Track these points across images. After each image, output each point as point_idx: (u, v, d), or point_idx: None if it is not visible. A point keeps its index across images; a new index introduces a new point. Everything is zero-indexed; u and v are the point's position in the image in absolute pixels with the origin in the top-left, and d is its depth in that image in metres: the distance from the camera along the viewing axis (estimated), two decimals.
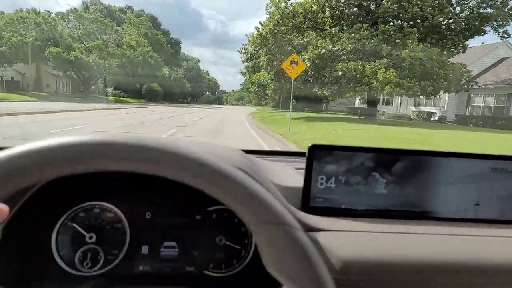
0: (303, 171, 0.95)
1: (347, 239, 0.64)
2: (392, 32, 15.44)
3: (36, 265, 0.67)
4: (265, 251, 0.33)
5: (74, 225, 0.70)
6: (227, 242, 0.74)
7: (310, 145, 0.75)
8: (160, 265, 0.71)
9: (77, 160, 0.34)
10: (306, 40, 16.45)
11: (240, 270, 0.73)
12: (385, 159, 0.75)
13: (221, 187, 0.34)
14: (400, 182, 0.76)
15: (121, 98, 35.97)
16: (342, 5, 17.48)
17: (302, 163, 1.08)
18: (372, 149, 0.75)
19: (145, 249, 0.72)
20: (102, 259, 0.70)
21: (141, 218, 0.73)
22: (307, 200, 0.73)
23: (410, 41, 14.84)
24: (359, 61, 15.09)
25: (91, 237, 0.70)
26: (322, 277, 0.33)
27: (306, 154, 0.74)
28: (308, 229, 0.65)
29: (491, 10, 16.40)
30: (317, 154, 0.74)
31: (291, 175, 0.90)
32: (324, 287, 0.33)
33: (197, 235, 0.74)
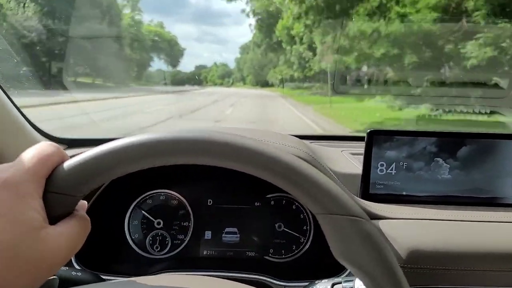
0: (360, 157, 0.96)
1: (411, 227, 0.64)
2: None
3: (112, 248, 0.75)
4: (333, 241, 0.35)
5: (143, 211, 0.77)
6: (286, 229, 0.77)
7: (368, 130, 0.75)
8: (222, 250, 0.77)
9: (163, 156, 0.37)
10: None
11: (300, 256, 0.76)
12: (449, 143, 0.74)
13: (287, 179, 0.36)
14: (465, 167, 0.74)
15: None
16: None
17: (358, 148, 1.09)
18: (434, 133, 0.74)
19: (208, 234, 0.77)
20: (170, 243, 0.76)
21: (203, 205, 0.78)
22: (366, 187, 0.74)
23: None
24: None
25: (159, 223, 0.77)
26: (392, 265, 0.34)
27: (365, 140, 0.75)
28: (371, 217, 0.66)
29: None
30: (376, 140, 0.74)
31: (348, 161, 0.91)
32: (395, 275, 0.34)
33: (257, 221, 0.78)
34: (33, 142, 0.87)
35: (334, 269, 0.69)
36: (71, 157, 0.94)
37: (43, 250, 0.33)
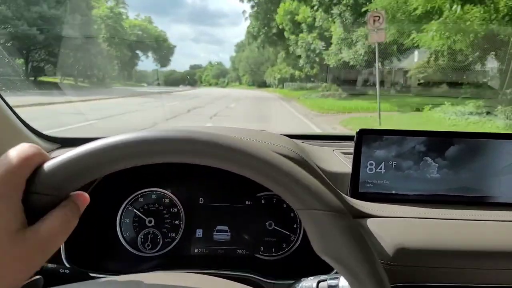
0: (351, 156, 0.97)
1: (399, 225, 0.65)
2: None
3: (103, 246, 0.76)
4: (314, 237, 0.36)
5: (135, 210, 0.78)
6: (276, 227, 0.78)
7: (358, 129, 0.76)
8: (214, 248, 0.77)
9: (153, 154, 0.38)
10: None
11: (290, 254, 0.77)
12: (437, 142, 0.75)
13: (267, 175, 0.37)
14: (454, 167, 0.75)
15: None
16: None
17: (350, 147, 1.10)
18: (423, 132, 0.75)
19: (199, 232, 0.78)
20: (161, 241, 0.77)
21: (195, 203, 0.79)
22: (356, 185, 0.75)
23: None
24: None
25: (150, 221, 0.77)
26: (371, 259, 0.35)
27: (355, 139, 0.76)
28: (358, 215, 0.67)
29: None
30: (366, 139, 0.75)
31: (339, 160, 0.92)
32: (375, 269, 0.35)
33: (248, 219, 0.79)
34: (26, 140, 0.88)
35: (324, 267, 0.70)
36: None
37: (20, 251, 0.33)
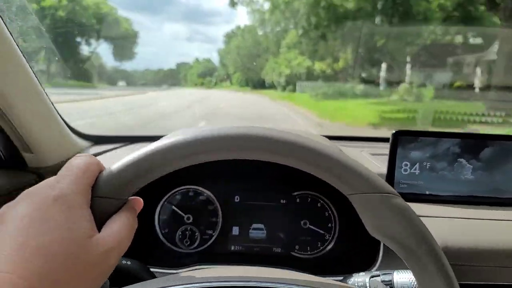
0: (380, 157, 0.99)
1: (435, 226, 0.67)
2: None
3: (143, 242, 0.78)
4: (367, 218, 0.37)
5: (173, 206, 0.80)
6: (311, 226, 0.80)
7: (394, 131, 0.78)
8: (250, 245, 0.79)
9: (212, 151, 0.40)
10: None
11: (326, 253, 0.78)
12: (471, 144, 0.77)
13: (318, 165, 0.39)
14: (488, 168, 0.77)
15: None
16: None
17: (376, 148, 1.12)
18: (458, 134, 0.77)
19: (235, 230, 0.80)
20: (199, 238, 0.79)
21: (231, 201, 0.81)
22: (391, 185, 0.76)
23: None
24: None
25: (188, 218, 0.80)
26: (426, 234, 0.37)
27: (390, 140, 0.78)
28: None
29: None
30: (401, 140, 0.77)
31: (369, 161, 0.94)
32: (430, 243, 0.36)
33: (283, 218, 0.81)
34: (65, 137, 0.91)
35: (359, 265, 0.72)
36: (97, 154, 0.98)
37: (96, 255, 0.35)
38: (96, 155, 0.97)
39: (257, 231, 0.80)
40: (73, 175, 0.37)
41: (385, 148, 1.11)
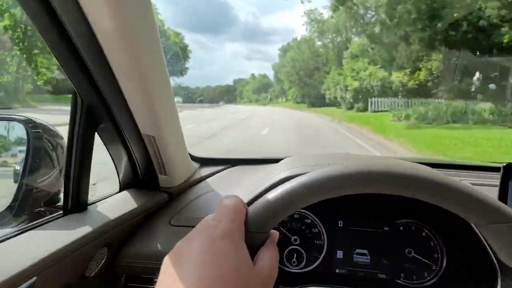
0: (483, 188, 0.96)
1: None
2: None
3: None
4: (500, 248, 0.39)
5: (281, 228, 0.87)
6: (416, 255, 0.81)
7: (505, 164, 0.77)
8: (354, 269, 0.83)
9: (357, 186, 0.47)
10: None
11: (435, 282, 0.79)
12: None
13: (447, 198, 0.42)
14: None
15: None
16: None
17: (477, 178, 1.08)
18: None
19: (339, 253, 0.84)
20: (305, 259, 0.85)
21: (334, 225, 0.86)
22: None
23: None
24: None
25: (295, 240, 0.86)
26: None
27: (501, 172, 0.77)
28: None
29: None
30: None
31: None
32: None
33: (387, 245, 0.83)
34: (186, 160, 1.03)
35: None
36: (207, 175, 1.10)
37: (258, 284, 0.42)
38: (207, 176, 1.08)
39: (361, 256, 0.84)
40: (230, 215, 0.45)
41: (486, 177, 1.08)
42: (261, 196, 0.51)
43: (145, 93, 0.72)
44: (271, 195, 0.48)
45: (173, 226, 0.88)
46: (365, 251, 0.84)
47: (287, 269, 0.85)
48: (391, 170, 0.47)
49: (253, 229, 0.46)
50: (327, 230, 0.86)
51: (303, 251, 0.86)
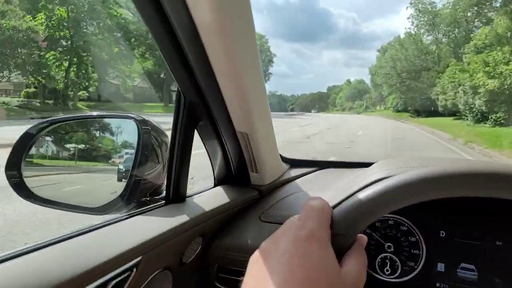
0: None
1: None
2: None
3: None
4: None
5: (373, 233, 0.83)
6: None
7: None
8: (459, 285, 0.75)
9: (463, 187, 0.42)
10: None
11: None
12: None
13: None
14: None
15: None
16: None
17: None
18: None
19: (441, 266, 0.77)
20: (400, 268, 0.79)
21: (435, 235, 0.79)
22: None
23: None
24: None
25: (389, 247, 0.81)
26: None
27: None
28: None
29: None
30: None
31: None
32: None
33: (499, 261, 0.73)
34: (277, 159, 1.05)
35: None
36: (294, 177, 1.09)
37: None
38: (296, 177, 1.09)
39: (467, 271, 0.75)
40: (316, 216, 0.44)
41: None
42: (349, 198, 0.49)
43: (240, 91, 0.76)
44: (359, 197, 0.47)
45: (263, 222, 0.90)
46: (472, 266, 0.75)
47: (380, 277, 0.80)
48: (495, 170, 0.42)
49: (339, 232, 0.45)
50: (426, 240, 0.79)
51: (397, 260, 0.80)
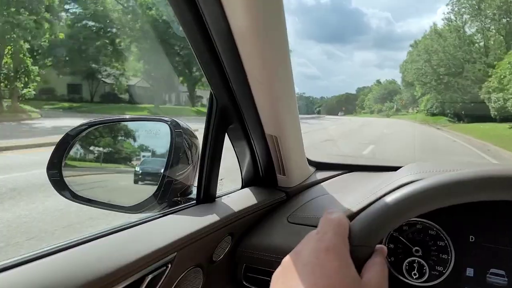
0: None
1: None
2: None
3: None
4: None
5: (400, 237, 0.83)
6: None
7: None
8: None
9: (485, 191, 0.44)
10: None
11: None
12: None
13: None
14: None
15: None
16: None
17: None
18: None
19: (470, 271, 0.77)
20: (428, 272, 0.79)
21: (464, 240, 0.78)
22: None
23: None
24: None
25: (417, 251, 0.81)
26: None
27: None
28: None
29: None
30: None
31: None
32: None
33: None
34: (303, 162, 1.08)
35: None
36: (320, 180, 1.11)
37: None
38: (322, 180, 1.10)
39: (497, 277, 0.75)
40: (333, 229, 0.46)
41: None
42: (369, 206, 0.51)
43: (272, 96, 0.79)
44: (378, 205, 0.49)
45: (290, 223, 0.92)
46: (502, 272, 0.75)
47: (407, 281, 0.81)
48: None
49: (357, 243, 0.46)
50: (455, 244, 0.79)
51: (425, 264, 0.80)
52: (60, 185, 0.95)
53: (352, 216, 0.52)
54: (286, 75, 0.79)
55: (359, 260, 0.46)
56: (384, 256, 0.49)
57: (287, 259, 0.46)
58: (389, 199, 0.49)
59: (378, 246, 0.49)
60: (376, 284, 0.44)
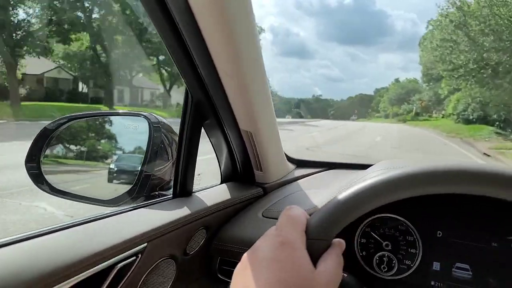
0: None
1: None
2: None
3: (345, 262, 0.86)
4: None
5: (371, 232, 0.85)
6: None
7: None
8: (453, 284, 0.77)
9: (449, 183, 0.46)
10: None
11: None
12: None
13: None
14: None
15: None
16: None
17: None
18: None
19: (436, 265, 0.79)
20: (396, 266, 0.81)
21: (432, 235, 0.81)
22: None
23: None
24: None
25: (387, 245, 0.83)
26: None
27: None
28: None
29: None
30: None
31: None
32: None
33: (494, 263, 0.75)
34: (282, 159, 1.09)
35: None
36: (299, 177, 1.13)
37: (320, 286, 0.44)
38: (301, 177, 1.12)
39: (462, 271, 0.77)
40: (290, 224, 0.49)
41: None
42: (329, 202, 0.54)
43: (243, 90, 0.81)
44: (331, 203, 0.51)
45: (264, 217, 0.94)
46: (467, 266, 0.77)
47: (377, 275, 0.83)
48: (455, 168, 0.45)
49: (313, 237, 0.49)
50: (423, 239, 0.81)
51: (394, 258, 0.82)
52: (38, 178, 0.96)
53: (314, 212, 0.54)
54: (256, 68, 0.81)
55: (316, 253, 0.49)
56: (340, 249, 0.52)
57: (246, 256, 0.48)
58: (343, 194, 0.51)
59: (335, 240, 0.51)
60: (329, 275, 0.46)
